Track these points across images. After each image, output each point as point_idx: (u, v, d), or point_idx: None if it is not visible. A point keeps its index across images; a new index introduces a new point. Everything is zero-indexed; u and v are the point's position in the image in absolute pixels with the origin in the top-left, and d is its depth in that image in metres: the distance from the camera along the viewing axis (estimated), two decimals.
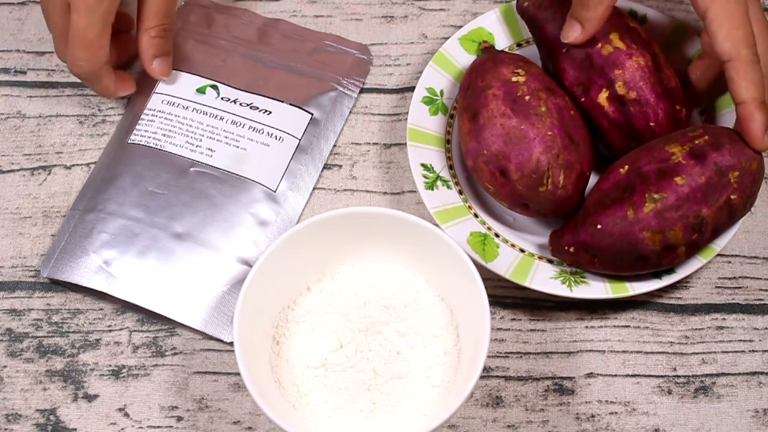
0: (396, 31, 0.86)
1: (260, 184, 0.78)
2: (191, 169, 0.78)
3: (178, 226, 0.76)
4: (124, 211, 0.76)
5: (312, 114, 0.80)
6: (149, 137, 0.79)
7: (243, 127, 0.79)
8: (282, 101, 0.80)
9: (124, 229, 0.76)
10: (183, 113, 0.79)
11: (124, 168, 0.78)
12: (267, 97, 0.80)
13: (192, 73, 0.81)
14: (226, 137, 0.79)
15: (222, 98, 0.80)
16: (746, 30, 0.69)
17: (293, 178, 0.79)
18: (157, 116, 0.79)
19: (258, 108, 0.80)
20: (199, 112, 0.80)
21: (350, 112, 0.82)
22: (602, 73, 0.73)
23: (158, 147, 0.78)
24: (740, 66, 0.68)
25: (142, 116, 0.80)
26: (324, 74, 0.82)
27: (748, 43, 0.69)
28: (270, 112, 0.80)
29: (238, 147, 0.79)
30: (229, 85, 0.81)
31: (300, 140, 0.79)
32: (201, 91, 0.80)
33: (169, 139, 0.79)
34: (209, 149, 0.78)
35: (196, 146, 0.78)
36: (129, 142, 0.79)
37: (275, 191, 0.78)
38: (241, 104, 0.80)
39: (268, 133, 0.79)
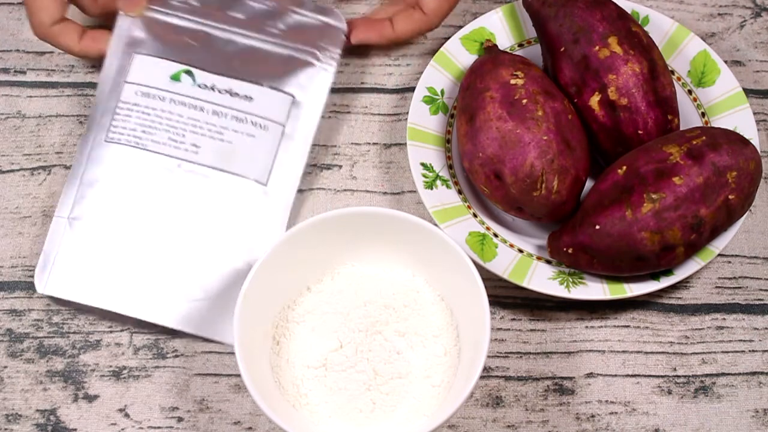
0: None
1: (250, 179, 0.76)
2: (177, 168, 0.76)
3: (170, 230, 0.75)
4: (112, 218, 0.75)
5: (293, 96, 0.78)
6: (128, 135, 0.77)
7: (225, 117, 0.77)
8: (261, 84, 0.78)
9: (113, 239, 0.75)
10: (161, 105, 0.77)
11: (106, 171, 0.76)
12: (245, 80, 0.78)
13: (162, 58, 0.78)
14: (210, 130, 0.77)
15: (199, 85, 0.78)
16: None
17: (283, 168, 0.77)
18: (133, 110, 0.77)
19: (238, 94, 0.78)
20: (177, 103, 0.77)
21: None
22: (597, 76, 0.73)
23: (140, 146, 0.76)
24: None
25: (117, 110, 0.77)
26: (298, 47, 0.79)
27: None
28: (251, 99, 0.78)
29: (223, 140, 0.77)
30: (204, 70, 0.78)
31: (284, 126, 0.78)
32: (175, 78, 0.78)
33: (149, 136, 0.77)
34: (194, 145, 0.77)
35: (180, 142, 0.77)
36: (107, 141, 0.77)
37: (266, 184, 0.77)
38: (219, 91, 0.78)
39: (252, 122, 0.77)
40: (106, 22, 0.79)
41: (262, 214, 0.76)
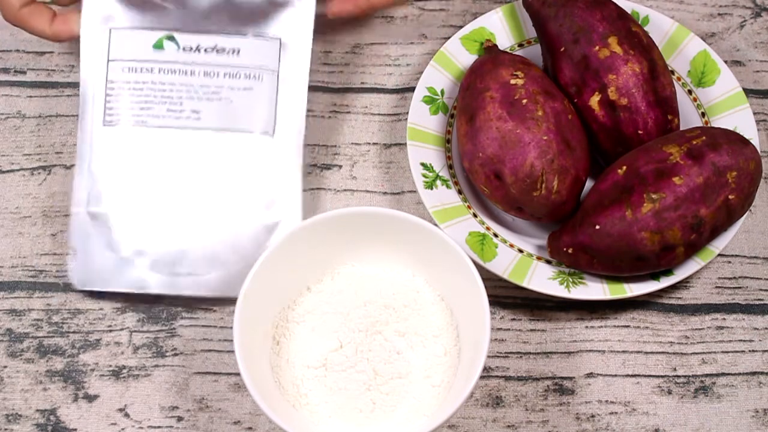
0: (396, 31, 0.86)
1: (257, 132, 0.75)
2: (183, 138, 0.75)
3: (191, 202, 0.74)
4: (131, 202, 0.74)
5: (280, 39, 0.76)
6: (125, 114, 0.75)
7: (218, 76, 0.75)
8: (245, 35, 0.76)
9: (137, 222, 0.74)
10: (150, 77, 0.75)
11: (113, 156, 0.75)
12: (228, 34, 0.76)
13: (140, 28, 0.75)
14: (206, 93, 0.75)
15: (183, 49, 0.75)
16: None
17: (286, 115, 0.75)
18: (124, 88, 0.75)
19: (225, 50, 0.75)
20: (166, 72, 0.75)
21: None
22: (597, 76, 0.74)
23: (140, 123, 0.74)
24: None
25: (108, 92, 0.75)
26: None
27: None
28: (238, 52, 0.75)
29: (221, 100, 0.75)
30: (185, 32, 0.75)
31: (278, 73, 0.76)
32: (158, 46, 0.75)
33: (147, 111, 0.75)
34: (194, 111, 0.75)
35: (180, 111, 0.75)
36: (105, 125, 0.75)
37: (273, 134, 0.75)
38: (205, 50, 0.75)
39: (245, 75, 0.75)
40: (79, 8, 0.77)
41: (276, 165, 0.75)
